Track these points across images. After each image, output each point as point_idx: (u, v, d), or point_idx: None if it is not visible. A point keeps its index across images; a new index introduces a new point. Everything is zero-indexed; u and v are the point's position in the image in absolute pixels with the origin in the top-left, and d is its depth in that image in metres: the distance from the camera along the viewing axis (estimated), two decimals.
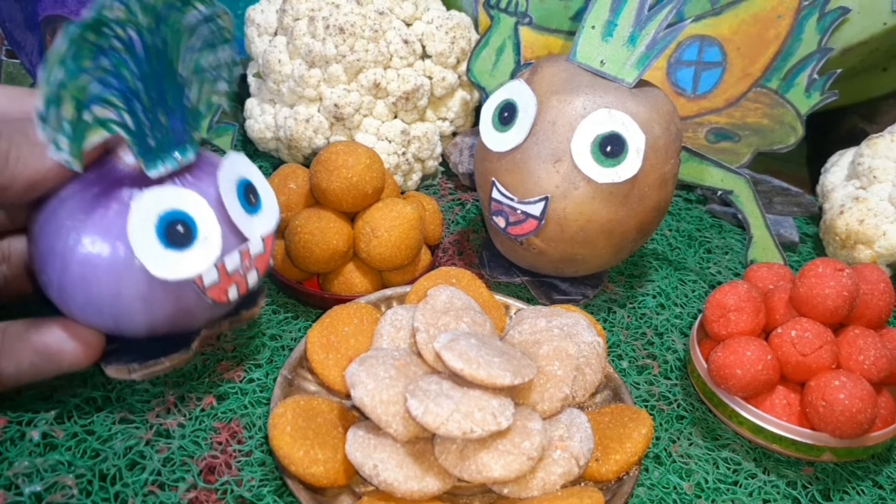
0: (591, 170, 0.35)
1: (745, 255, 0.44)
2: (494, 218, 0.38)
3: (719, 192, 0.42)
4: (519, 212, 0.37)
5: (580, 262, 0.39)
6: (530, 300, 0.42)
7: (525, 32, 0.43)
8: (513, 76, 0.42)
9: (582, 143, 0.35)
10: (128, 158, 0.29)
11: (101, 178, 0.29)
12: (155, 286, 0.29)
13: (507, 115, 0.37)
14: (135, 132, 0.28)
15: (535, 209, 0.37)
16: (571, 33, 0.43)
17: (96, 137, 0.28)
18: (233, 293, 0.31)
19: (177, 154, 0.29)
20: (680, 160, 0.38)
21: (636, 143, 0.35)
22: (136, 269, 0.28)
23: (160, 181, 0.29)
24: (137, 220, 0.28)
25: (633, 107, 0.36)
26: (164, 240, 0.28)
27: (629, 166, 0.35)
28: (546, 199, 0.36)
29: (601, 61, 0.37)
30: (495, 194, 0.38)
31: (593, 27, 0.37)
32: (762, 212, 0.41)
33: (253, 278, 0.31)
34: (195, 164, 0.30)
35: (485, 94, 0.44)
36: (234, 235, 0.30)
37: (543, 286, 0.42)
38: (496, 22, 0.42)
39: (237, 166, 0.31)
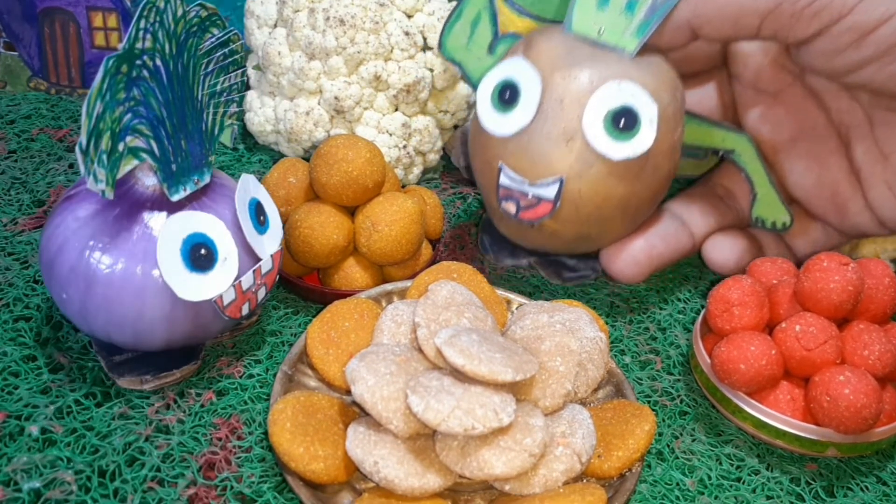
0: (605, 146, 0.34)
1: (750, 215, 0.43)
2: (504, 204, 0.37)
3: (721, 153, 0.41)
4: (531, 195, 0.36)
5: (594, 240, 0.38)
6: (532, 294, 0.41)
7: (510, 16, 0.41)
8: (491, 49, 0.40)
9: (594, 120, 0.34)
10: (147, 180, 0.30)
11: (121, 198, 0.30)
12: (177, 306, 0.30)
13: (508, 95, 0.36)
14: (160, 158, 0.29)
15: (549, 192, 0.35)
16: (560, 21, 0.41)
17: (127, 166, 0.29)
18: (245, 309, 0.32)
19: (195, 177, 0.31)
20: (685, 124, 0.38)
21: (649, 114, 0.34)
22: (160, 290, 0.30)
23: (180, 205, 0.30)
24: (165, 244, 0.29)
25: (640, 77, 0.35)
26: (189, 263, 0.30)
27: (644, 139, 0.34)
28: (561, 180, 0.35)
29: (599, 30, 0.36)
30: (504, 180, 0.36)
31: None
32: (765, 168, 0.40)
33: (262, 294, 0.33)
34: (209, 186, 0.32)
35: (461, 70, 0.41)
36: (249, 255, 0.32)
37: (552, 265, 0.41)
38: None
39: (249, 187, 0.32)
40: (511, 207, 0.37)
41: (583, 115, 0.35)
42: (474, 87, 0.40)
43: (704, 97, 0.43)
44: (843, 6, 0.32)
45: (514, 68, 0.36)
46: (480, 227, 0.44)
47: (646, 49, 0.36)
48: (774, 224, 0.41)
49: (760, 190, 0.40)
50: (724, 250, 0.41)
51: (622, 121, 0.34)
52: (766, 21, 0.34)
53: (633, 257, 0.39)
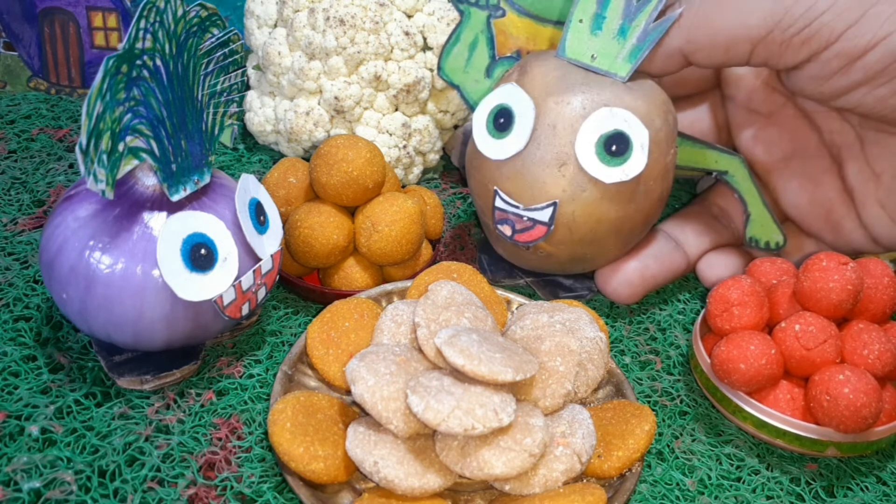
0: (597, 171, 0.35)
1: (743, 235, 0.43)
2: (500, 226, 0.38)
3: (714, 174, 0.41)
4: (525, 219, 0.37)
5: (588, 261, 0.39)
6: (532, 295, 0.41)
7: (511, 17, 0.42)
8: (488, 72, 0.41)
9: (586, 145, 0.35)
10: (147, 180, 0.31)
11: (121, 198, 0.30)
12: (177, 306, 0.30)
13: (503, 121, 0.37)
14: (160, 158, 0.29)
15: (544, 215, 0.36)
16: (561, 23, 0.41)
17: (127, 166, 0.30)
18: (245, 309, 0.32)
19: (195, 177, 0.31)
20: (677, 147, 0.38)
21: (640, 139, 0.35)
22: (160, 291, 0.30)
23: (180, 205, 0.30)
24: (165, 244, 0.29)
25: (631, 102, 0.35)
26: (189, 263, 0.30)
27: (635, 163, 0.35)
28: (554, 204, 0.36)
29: (592, 56, 0.36)
30: (499, 203, 0.37)
31: (581, 21, 0.36)
32: (758, 189, 0.40)
33: (262, 294, 0.33)
34: (209, 186, 0.32)
35: (460, 92, 0.42)
36: (249, 255, 0.32)
37: (549, 285, 0.41)
38: (466, 16, 0.41)
39: (249, 187, 0.32)
40: (506, 230, 0.37)
41: (575, 141, 0.35)
42: (472, 108, 0.41)
43: (698, 118, 0.44)
44: (832, 33, 0.33)
45: (508, 95, 0.37)
46: (478, 247, 0.44)
47: (638, 74, 0.37)
48: (768, 244, 0.41)
49: (754, 210, 0.41)
50: (718, 269, 0.42)
51: (614, 146, 0.35)
52: (757, 49, 0.34)
53: (626, 278, 0.40)
